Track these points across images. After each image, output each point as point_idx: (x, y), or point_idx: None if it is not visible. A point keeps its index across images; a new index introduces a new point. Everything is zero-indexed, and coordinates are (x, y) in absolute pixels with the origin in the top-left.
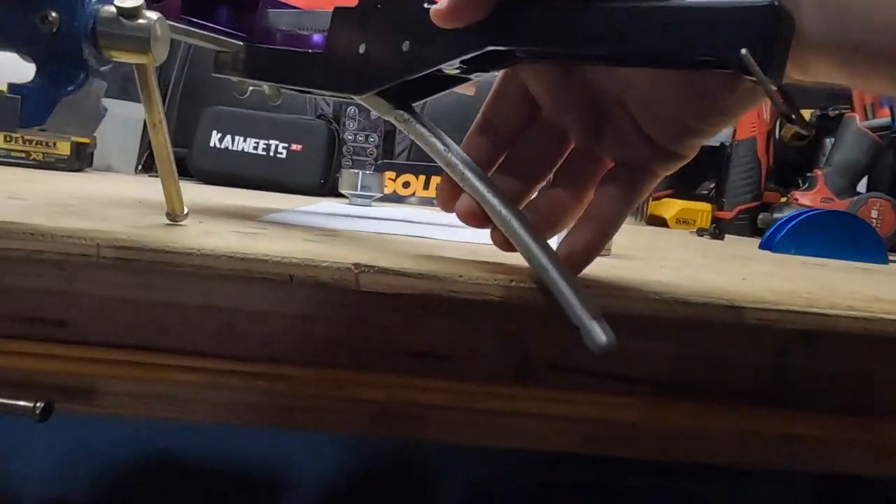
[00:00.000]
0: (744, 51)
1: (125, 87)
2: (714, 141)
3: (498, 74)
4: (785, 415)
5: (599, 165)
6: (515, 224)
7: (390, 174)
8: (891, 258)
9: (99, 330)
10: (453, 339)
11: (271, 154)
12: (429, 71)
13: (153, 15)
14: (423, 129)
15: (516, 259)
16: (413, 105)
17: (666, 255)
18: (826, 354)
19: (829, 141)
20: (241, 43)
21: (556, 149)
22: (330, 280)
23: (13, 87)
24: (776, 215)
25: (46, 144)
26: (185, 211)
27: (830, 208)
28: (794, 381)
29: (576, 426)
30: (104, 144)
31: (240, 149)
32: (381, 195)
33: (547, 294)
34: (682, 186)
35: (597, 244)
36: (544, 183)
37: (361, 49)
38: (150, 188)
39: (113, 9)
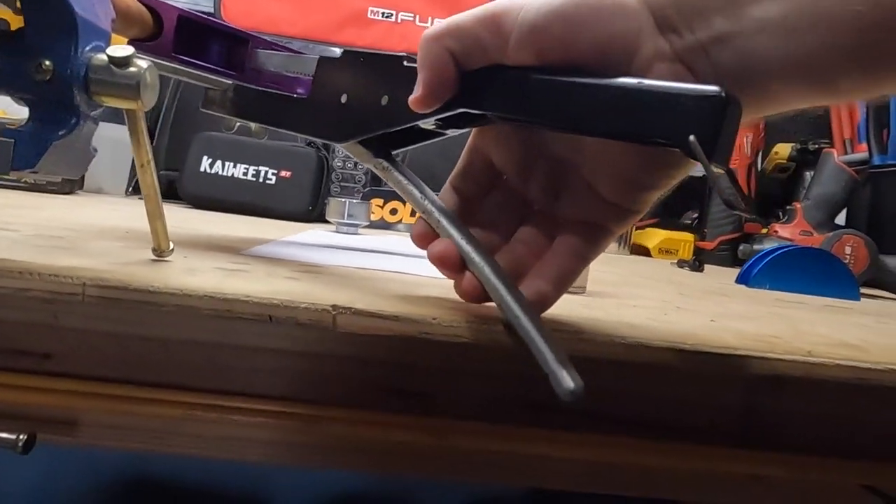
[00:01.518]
0: (692, 138)
1: (118, 111)
2: (697, 172)
3: (465, 145)
4: (752, 455)
5: (559, 223)
6: (488, 270)
7: (378, 201)
8: (863, 292)
9: (83, 363)
10: (430, 379)
11: (260, 180)
12: (406, 126)
13: (143, 63)
14: (400, 177)
15: (491, 308)
16: (394, 153)
17: (641, 292)
18: (793, 397)
19: (809, 174)
20: (230, 81)
21: (520, 209)
22: (308, 321)
23: (6, 132)
24: (756, 247)
25: None
26: (171, 247)
27: (808, 241)
28: (762, 421)
29: (542, 463)
30: (95, 167)
31: (229, 174)
32: (367, 224)
33: (517, 337)
34: (667, 216)
35: (550, 296)
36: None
37: (343, 99)
38: (139, 214)
39: (105, 57)
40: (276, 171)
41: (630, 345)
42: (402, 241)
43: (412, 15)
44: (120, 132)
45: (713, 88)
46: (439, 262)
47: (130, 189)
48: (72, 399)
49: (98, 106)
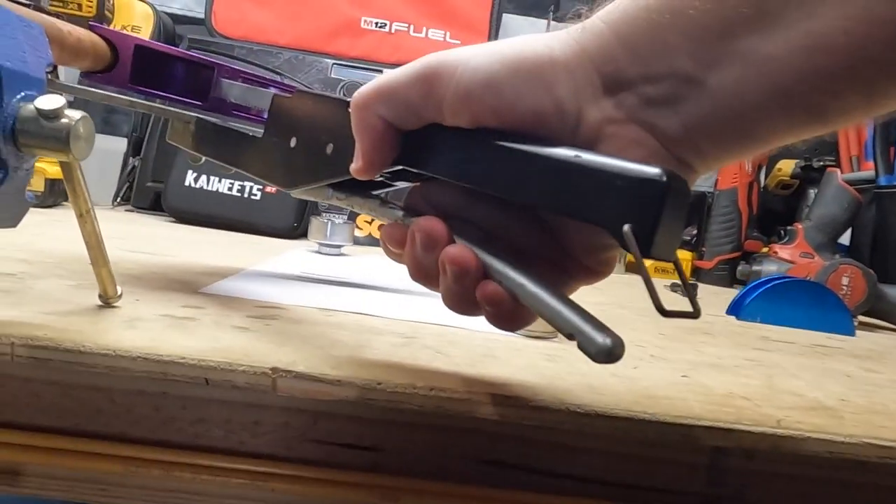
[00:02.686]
0: (626, 228)
1: (108, 118)
2: (696, 189)
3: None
4: None
5: (520, 250)
6: (486, 257)
7: (366, 217)
8: (863, 320)
9: (25, 411)
10: (378, 436)
11: (245, 195)
12: (349, 178)
13: (76, 114)
14: (359, 199)
15: (444, 363)
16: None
17: (617, 332)
18: (764, 460)
19: (813, 192)
20: (193, 114)
21: (477, 236)
22: (246, 384)
23: None
24: (755, 267)
25: None
26: (119, 292)
27: (808, 264)
28: (730, 484)
29: None
30: None
31: (214, 189)
32: (350, 244)
33: (468, 403)
34: None
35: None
36: None
37: (293, 143)
38: (114, 231)
39: (33, 108)
40: (261, 188)
41: (584, 413)
42: (380, 267)
43: (406, 25)
44: (109, 142)
45: (653, 171)
46: (457, 264)
47: (119, 199)
48: (12, 450)
49: (28, 158)
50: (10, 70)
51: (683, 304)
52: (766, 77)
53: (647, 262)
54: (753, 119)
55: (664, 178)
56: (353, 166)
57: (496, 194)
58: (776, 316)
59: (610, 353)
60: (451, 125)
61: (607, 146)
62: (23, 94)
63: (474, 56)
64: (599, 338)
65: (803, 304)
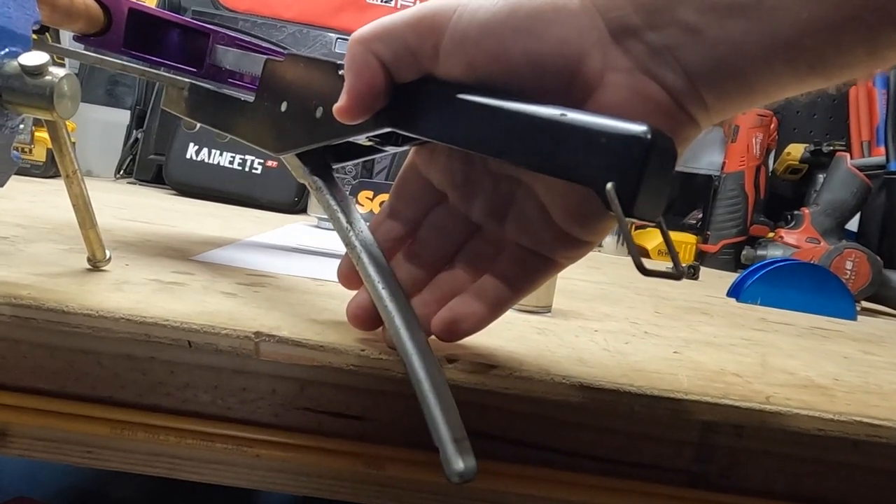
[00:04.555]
0: (609, 186)
1: (112, 91)
2: (703, 171)
3: (405, 161)
4: (707, 496)
5: (503, 247)
6: (398, 321)
7: (367, 193)
8: (867, 306)
9: (14, 373)
10: (365, 405)
11: (246, 169)
12: (339, 142)
13: (60, 72)
14: (331, 202)
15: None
16: (335, 167)
17: (613, 310)
18: (752, 437)
19: (822, 176)
20: (188, 79)
21: (462, 231)
22: (228, 348)
23: None
24: (760, 252)
25: (22, 150)
26: (107, 255)
27: (814, 249)
28: (719, 460)
29: (485, 496)
30: (85, 149)
31: (216, 162)
32: None
33: (453, 371)
34: (669, 215)
35: (482, 321)
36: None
37: (283, 107)
38: (112, 202)
39: (17, 65)
40: (262, 161)
41: (570, 384)
42: None
43: (411, 1)
44: (111, 115)
45: (638, 128)
46: (353, 320)
47: (121, 172)
48: (1, 410)
49: (13, 115)
50: None
51: (677, 289)
52: (769, 29)
53: (651, 245)
54: (755, 71)
55: (648, 136)
56: (337, 105)
57: (482, 153)
58: (777, 298)
59: (461, 475)
60: (446, 74)
61: (608, 95)
62: (7, 50)
63: None
64: (455, 462)
65: (804, 287)
